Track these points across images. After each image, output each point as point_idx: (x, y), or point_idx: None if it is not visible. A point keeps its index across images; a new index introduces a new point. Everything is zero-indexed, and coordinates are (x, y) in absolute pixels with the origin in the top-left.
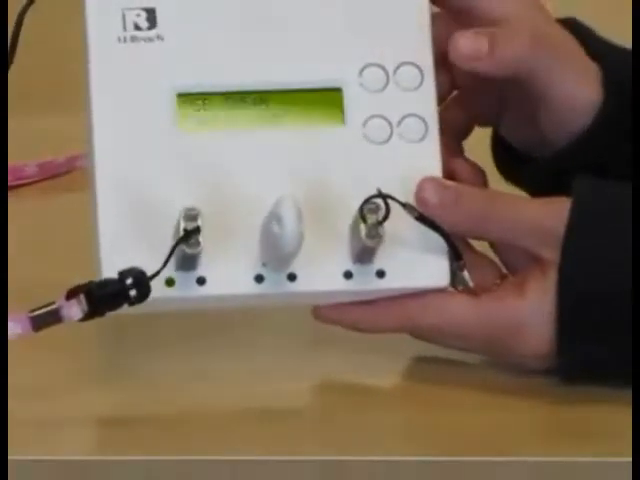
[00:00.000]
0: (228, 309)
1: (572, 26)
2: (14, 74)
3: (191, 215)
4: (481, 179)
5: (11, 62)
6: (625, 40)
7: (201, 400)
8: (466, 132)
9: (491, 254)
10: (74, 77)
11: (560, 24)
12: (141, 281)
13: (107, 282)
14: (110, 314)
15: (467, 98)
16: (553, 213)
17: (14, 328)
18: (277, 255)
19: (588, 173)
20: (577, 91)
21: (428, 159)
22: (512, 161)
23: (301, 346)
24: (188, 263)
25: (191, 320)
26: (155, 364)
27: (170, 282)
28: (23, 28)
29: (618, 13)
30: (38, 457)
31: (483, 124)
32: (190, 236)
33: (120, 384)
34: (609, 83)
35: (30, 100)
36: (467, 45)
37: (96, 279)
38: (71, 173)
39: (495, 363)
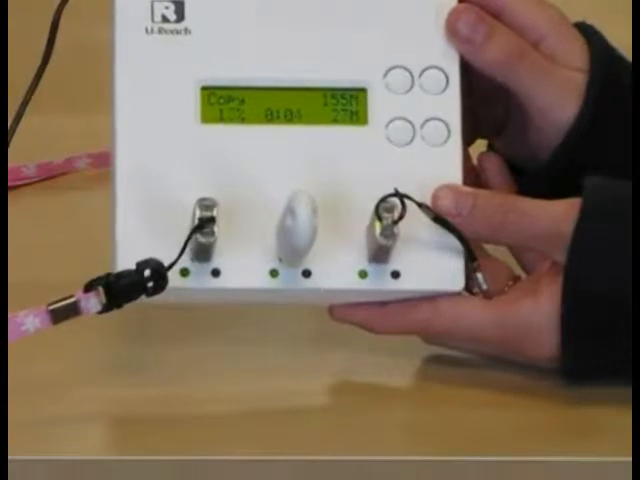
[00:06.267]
0: (239, 305)
1: (584, 31)
2: (15, 74)
3: (206, 205)
4: (507, 175)
5: (47, 62)
6: (625, 40)
7: (204, 399)
8: (470, 142)
9: (507, 254)
10: (74, 77)
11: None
12: (159, 272)
13: (125, 274)
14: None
15: (476, 112)
16: (566, 216)
17: (33, 321)
18: (290, 249)
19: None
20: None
21: (449, 163)
22: None
23: (307, 345)
24: (203, 254)
25: (197, 317)
26: (157, 362)
27: (185, 272)
28: (27, 28)
29: (618, 13)
30: (38, 457)
31: (485, 137)
32: (204, 225)
33: (121, 384)
34: (590, 94)
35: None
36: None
37: (113, 270)
38: (70, 174)
39: (500, 362)
